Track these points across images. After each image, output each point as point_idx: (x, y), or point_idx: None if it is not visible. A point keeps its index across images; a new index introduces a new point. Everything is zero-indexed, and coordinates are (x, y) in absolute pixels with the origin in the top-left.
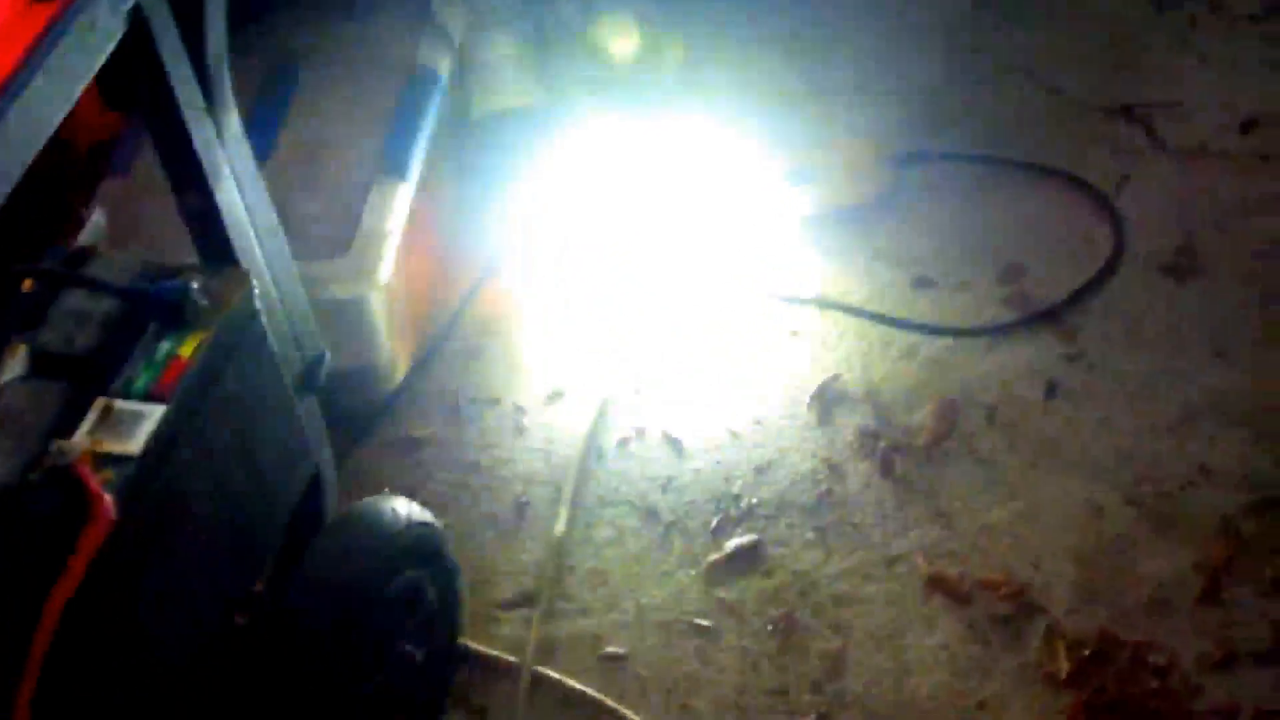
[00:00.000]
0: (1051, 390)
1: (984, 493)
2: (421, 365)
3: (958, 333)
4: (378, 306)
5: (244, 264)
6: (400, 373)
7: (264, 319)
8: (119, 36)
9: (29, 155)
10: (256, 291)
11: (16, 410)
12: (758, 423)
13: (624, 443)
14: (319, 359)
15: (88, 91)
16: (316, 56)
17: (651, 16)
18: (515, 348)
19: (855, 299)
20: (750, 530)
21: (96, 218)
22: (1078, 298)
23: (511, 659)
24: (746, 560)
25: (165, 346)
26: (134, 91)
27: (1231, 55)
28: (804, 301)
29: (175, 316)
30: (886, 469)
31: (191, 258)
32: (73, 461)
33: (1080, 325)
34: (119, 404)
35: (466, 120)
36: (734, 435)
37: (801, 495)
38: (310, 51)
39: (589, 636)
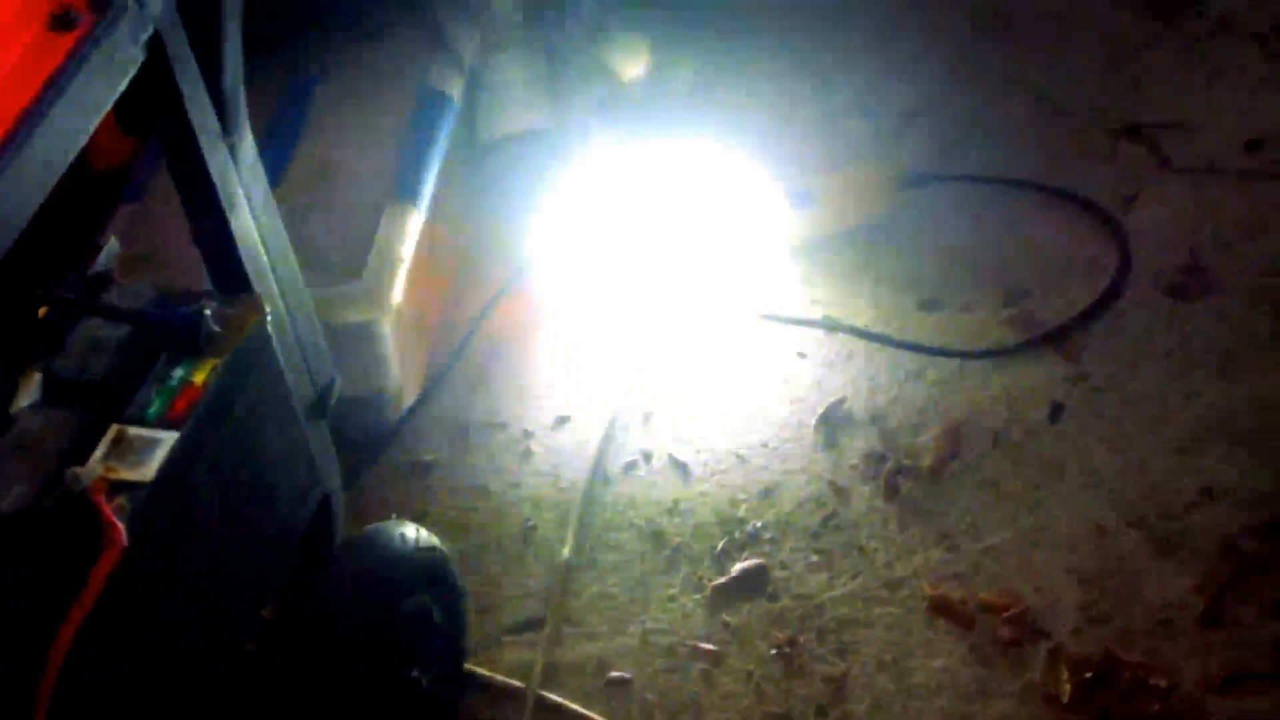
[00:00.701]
0: (1057, 412)
1: (988, 515)
2: (430, 389)
3: (963, 355)
4: (389, 331)
5: (258, 290)
6: (409, 397)
7: (277, 346)
8: (138, 64)
9: (50, 183)
10: (270, 318)
11: (31, 436)
12: (763, 445)
13: (630, 466)
14: (330, 385)
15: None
16: (328, 79)
17: (660, 37)
18: (522, 372)
19: (861, 321)
20: (755, 554)
21: (110, 245)
22: (1083, 319)
23: (517, 684)
24: (751, 584)
25: (178, 373)
26: (150, 118)
27: (1237, 74)
28: (810, 324)
29: (189, 343)
30: (891, 492)
31: (205, 284)
32: (87, 488)
33: (1086, 346)
34: (132, 431)
35: (477, 142)
36: (740, 458)
37: (806, 518)
38: (321, 75)
39: (594, 661)
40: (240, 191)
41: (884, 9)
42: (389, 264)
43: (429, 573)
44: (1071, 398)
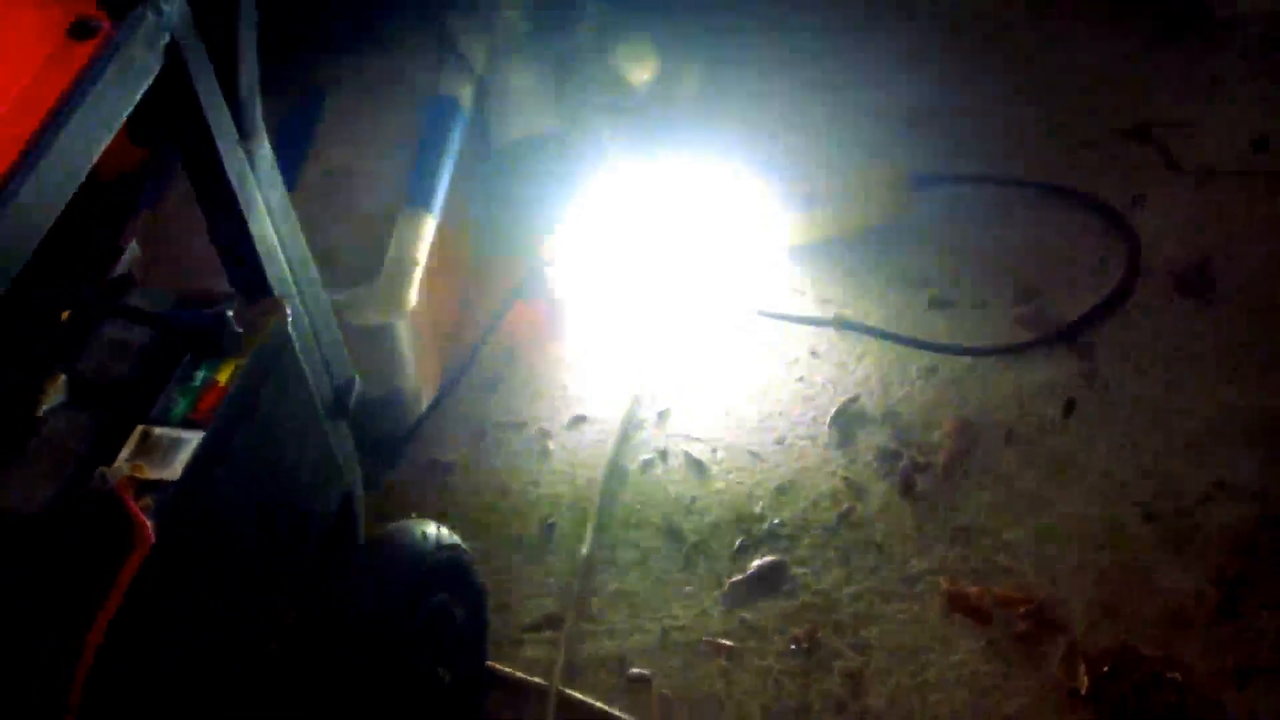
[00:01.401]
0: (1069, 409)
1: (1003, 511)
2: (447, 390)
3: (975, 353)
4: (405, 333)
5: (277, 292)
6: (427, 398)
7: (297, 346)
8: (156, 71)
9: (71, 189)
10: (290, 319)
11: (58, 438)
12: (779, 443)
13: (647, 465)
14: (349, 384)
15: None
16: (340, 87)
17: (667, 43)
18: (539, 372)
19: (874, 320)
20: (772, 550)
21: (131, 249)
22: (1094, 317)
23: (538, 681)
24: (769, 580)
25: (201, 374)
26: (166, 125)
27: (1244, 76)
28: (823, 323)
29: (211, 345)
30: (906, 488)
31: (224, 287)
32: (114, 487)
33: (1096, 344)
34: (158, 430)
35: (487, 148)
36: (755, 456)
37: (822, 515)
38: (334, 82)
39: (614, 658)
40: (258, 195)
41: (894, 13)
42: (404, 267)
43: (450, 571)
44: (1083, 394)
